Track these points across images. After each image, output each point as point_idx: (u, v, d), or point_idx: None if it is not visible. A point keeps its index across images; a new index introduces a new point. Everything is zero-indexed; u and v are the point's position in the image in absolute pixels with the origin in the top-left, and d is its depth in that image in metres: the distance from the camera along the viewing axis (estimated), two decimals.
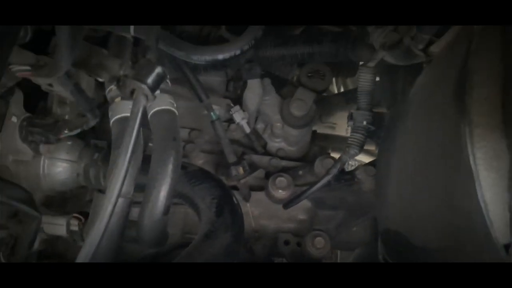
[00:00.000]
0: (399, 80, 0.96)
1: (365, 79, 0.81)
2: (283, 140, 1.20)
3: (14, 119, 0.72)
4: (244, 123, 1.11)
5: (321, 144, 1.31)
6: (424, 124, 0.55)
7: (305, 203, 1.13)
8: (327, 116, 1.43)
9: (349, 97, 1.29)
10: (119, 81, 0.62)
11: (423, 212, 0.54)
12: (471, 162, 0.40)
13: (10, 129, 0.72)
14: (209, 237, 0.68)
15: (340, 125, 1.53)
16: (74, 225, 0.79)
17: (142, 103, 0.54)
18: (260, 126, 1.21)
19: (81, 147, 0.84)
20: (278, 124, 1.15)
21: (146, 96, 0.55)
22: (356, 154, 0.85)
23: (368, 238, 1.20)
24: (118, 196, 0.57)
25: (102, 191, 0.74)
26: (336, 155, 1.43)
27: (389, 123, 0.75)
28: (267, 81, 1.12)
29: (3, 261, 0.74)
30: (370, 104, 0.83)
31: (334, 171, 0.91)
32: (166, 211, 0.69)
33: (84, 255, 0.55)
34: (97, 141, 0.84)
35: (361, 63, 0.85)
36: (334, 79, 1.74)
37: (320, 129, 1.47)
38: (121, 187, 0.56)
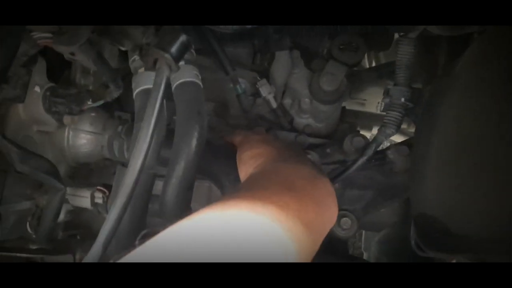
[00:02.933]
0: (440, 53, 0.89)
1: (404, 52, 0.75)
2: (311, 116, 1.15)
3: (37, 88, 0.71)
4: (270, 97, 1.07)
5: (350, 120, 1.26)
6: (473, 101, 0.49)
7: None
8: (357, 92, 1.37)
9: (382, 72, 1.23)
10: (141, 50, 0.59)
11: (466, 197, 0.50)
12: None
13: (33, 99, 0.71)
14: None
15: (370, 102, 1.47)
16: (99, 198, 0.79)
17: (166, 74, 0.51)
18: (287, 101, 1.16)
19: (105, 119, 0.83)
20: (306, 99, 1.10)
21: (170, 66, 0.52)
22: (393, 134, 0.80)
23: (396, 220, 1.17)
24: (141, 170, 0.55)
25: (125, 164, 0.73)
26: (365, 133, 1.38)
27: (430, 100, 0.69)
28: (296, 53, 1.07)
29: (29, 231, 0.76)
30: (409, 79, 0.76)
31: (369, 152, 0.86)
32: (190, 186, 0.67)
33: (107, 229, 0.55)
34: (121, 113, 0.83)
35: (400, 34, 0.78)
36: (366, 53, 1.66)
37: (349, 105, 1.42)
38: (143, 160, 0.54)
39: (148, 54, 0.52)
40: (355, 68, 1.27)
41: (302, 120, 1.16)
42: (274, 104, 1.08)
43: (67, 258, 0.93)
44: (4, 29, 0.41)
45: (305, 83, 1.09)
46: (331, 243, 1.04)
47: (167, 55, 0.51)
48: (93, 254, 0.51)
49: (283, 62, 1.06)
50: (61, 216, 0.83)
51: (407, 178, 0.95)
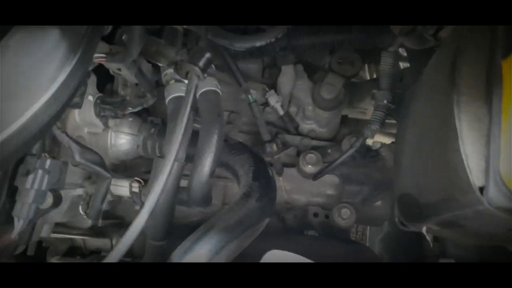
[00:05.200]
0: (422, 64, 1.04)
1: (386, 63, 0.91)
2: (314, 122, 1.29)
3: (90, 97, 0.88)
4: (278, 106, 1.22)
5: (352, 128, 1.39)
6: (430, 99, 0.65)
7: (333, 179, 1.24)
8: (359, 102, 1.49)
9: None
10: (176, 65, 0.75)
11: (426, 173, 0.64)
12: (457, 123, 0.50)
13: (87, 106, 0.88)
14: (247, 196, 0.81)
15: (371, 111, 1.59)
16: (135, 187, 0.95)
17: (195, 82, 0.68)
18: (293, 109, 1.29)
19: (140, 123, 1.00)
20: (310, 107, 1.24)
21: (198, 76, 0.68)
22: (377, 130, 0.95)
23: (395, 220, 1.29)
24: (176, 158, 0.70)
25: (162, 157, 0.89)
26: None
27: (407, 102, 0.84)
28: (300, 67, 1.22)
29: (81, 213, 0.92)
30: (390, 84, 0.92)
31: (357, 144, 1.01)
32: (212, 173, 0.83)
33: (147, 208, 0.69)
34: (153, 118, 1.00)
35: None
36: (366, 66, 1.79)
37: (352, 114, 1.55)
38: (178, 150, 0.69)
39: (181, 68, 0.69)
40: (356, 81, 1.41)
41: (307, 126, 1.30)
42: (281, 112, 1.23)
43: (105, 242, 1.09)
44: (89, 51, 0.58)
45: (308, 92, 1.23)
46: (333, 231, 1.18)
47: (196, 68, 0.67)
48: (141, 218, 0.66)
49: (288, 75, 1.22)
50: (104, 205, 0.98)
51: None
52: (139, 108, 0.91)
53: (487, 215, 0.49)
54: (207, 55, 0.69)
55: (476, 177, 0.48)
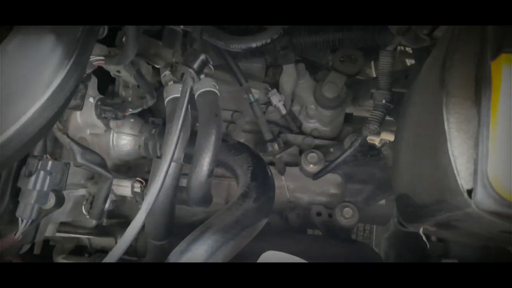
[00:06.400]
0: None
1: (384, 62, 0.90)
2: (317, 120, 1.29)
3: (91, 99, 0.90)
4: (280, 105, 1.23)
5: (356, 126, 1.39)
6: (423, 99, 0.64)
7: (336, 178, 1.24)
8: (364, 100, 1.50)
9: None
10: (172, 67, 0.76)
11: (421, 173, 0.64)
12: (445, 125, 0.49)
13: (88, 108, 0.90)
14: (244, 196, 0.82)
15: None
16: (137, 187, 0.97)
17: (190, 84, 0.69)
18: (295, 108, 1.30)
19: (141, 124, 1.01)
20: (312, 106, 1.24)
21: (193, 78, 0.69)
22: (376, 129, 0.94)
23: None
24: (172, 158, 0.71)
25: (160, 157, 0.90)
26: (373, 137, 1.48)
27: (405, 101, 0.83)
28: (302, 66, 1.22)
29: (84, 212, 0.94)
30: (389, 84, 0.91)
31: (356, 144, 1.00)
32: (210, 174, 0.84)
33: (144, 208, 0.70)
34: (154, 118, 1.01)
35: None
36: (373, 64, 1.78)
37: (357, 112, 1.54)
38: (174, 150, 0.70)
39: (177, 70, 0.70)
40: (361, 78, 1.40)
41: (310, 125, 1.30)
42: (283, 111, 1.24)
43: (109, 241, 1.11)
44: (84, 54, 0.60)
45: (311, 91, 1.23)
46: (336, 231, 1.18)
47: (191, 70, 0.68)
48: (139, 218, 0.67)
49: (290, 74, 1.22)
50: (107, 205, 1.00)
51: None
52: (139, 109, 0.92)
53: (476, 218, 0.49)
54: (202, 57, 0.70)
55: (464, 180, 0.48)
